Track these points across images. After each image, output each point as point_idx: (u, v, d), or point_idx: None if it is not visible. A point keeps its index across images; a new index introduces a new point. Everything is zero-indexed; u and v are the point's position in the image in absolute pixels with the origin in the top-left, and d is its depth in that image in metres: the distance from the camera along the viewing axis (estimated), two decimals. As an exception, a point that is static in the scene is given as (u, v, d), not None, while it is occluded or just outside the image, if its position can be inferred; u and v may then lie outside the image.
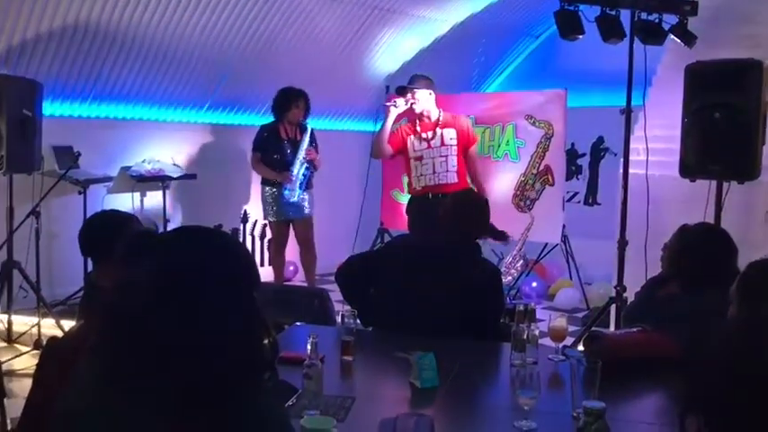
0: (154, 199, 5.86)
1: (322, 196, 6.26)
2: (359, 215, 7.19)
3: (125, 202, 5.67)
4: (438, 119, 5.05)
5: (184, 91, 6.02)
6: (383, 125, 5.10)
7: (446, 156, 4.99)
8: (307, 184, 5.68)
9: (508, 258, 5.87)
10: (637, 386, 2.29)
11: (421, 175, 5.04)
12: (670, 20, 4.41)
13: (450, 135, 5.01)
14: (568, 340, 2.61)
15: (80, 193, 5.19)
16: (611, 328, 4.44)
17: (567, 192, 6.52)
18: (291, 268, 6.66)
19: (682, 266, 2.73)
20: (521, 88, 6.86)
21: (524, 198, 6.02)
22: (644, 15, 4.30)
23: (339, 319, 2.59)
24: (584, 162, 6.99)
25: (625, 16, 4.31)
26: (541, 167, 5.94)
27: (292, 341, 2.64)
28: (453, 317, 2.76)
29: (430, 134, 5.02)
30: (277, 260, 5.87)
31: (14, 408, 1.94)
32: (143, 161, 5.73)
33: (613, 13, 4.25)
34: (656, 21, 4.34)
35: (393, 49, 6.90)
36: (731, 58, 3.95)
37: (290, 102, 5.58)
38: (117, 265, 1.77)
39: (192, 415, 1.15)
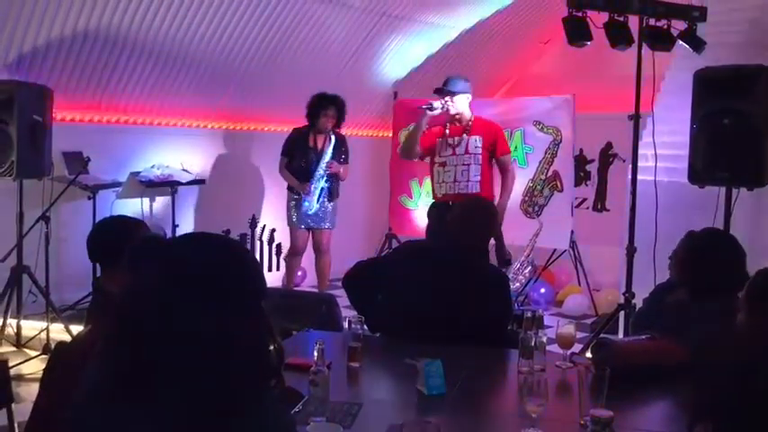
0: (163, 204, 5.88)
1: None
2: (367, 221, 7.21)
3: (134, 207, 5.69)
4: (468, 124, 4.90)
5: (194, 97, 6.04)
6: (416, 127, 5.01)
7: (469, 164, 4.86)
8: (330, 196, 5.63)
9: (516, 264, 5.85)
10: (645, 394, 2.28)
11: (443, 182, 4.97)
12: (678, 26, 4.41)
13: (476, 143, 4.87)
14: (576, 347, 2.60)
15: (89, 198, 5.22)
16: (620, 335, 4.42)
17: (576, 198, 6.50)
18: (300, 273, 6.66)
19: (690, 273, 2.72)
20: (529, 94, 6.85)
21: (533, 204, 6.01)
22: (652, 21, 4.29)
23: (346, 324, 2.58)
24: (592, 168, 6.96)
25: (633, 22, 4.30)
26: (550, 173, 5.93)
27: (300, 347, 2.64)
28: (460, 323, 2.75)
29: (457, 140, 4.89)
30: (291, 264, 5.83)
31: (23, 412, 1.95)
32: (152, 167, 5.75)
33: (621, 18, 4.25)
34: (665, 27, 4.34)
35: (401, 56, 6.91)
36: (740, 65, 3.94)
37: (318, 110, 5.46)
38: (125, 270, 1.78)
39: (199, 422, 1.15)
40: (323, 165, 5.51)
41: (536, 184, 5.99)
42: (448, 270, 2.92)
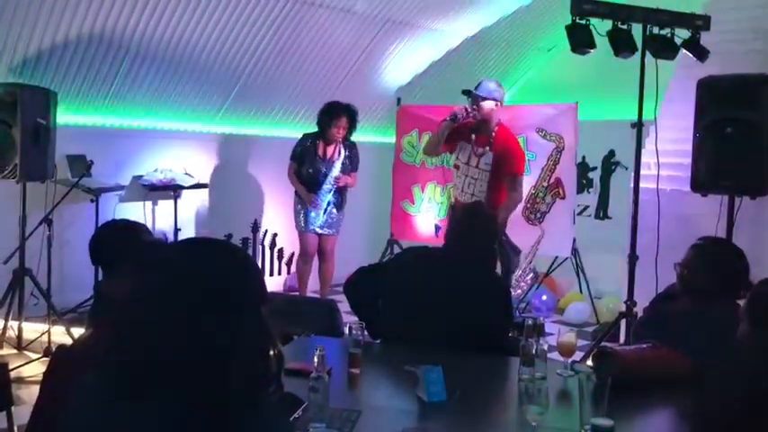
0: (165, 208, 5.88)
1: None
2: (369, 226, 7.20)
3: (137, 210, 5.70)
4: (491, 136, 4.76)
5: (197, 101, 6.05)
6: (438, 135, 4.89)
7: (476, 179, 4.80)
8: (338, 206, 5.62)
9: (518, 271, 5.84)
10: (647, 403, 2.27)
11: (455, 185, 4.97)
12: (682, 34, 4.41)
13: (486, 160, 4.77)
14: (578, 355, 2.59)
15: (92, 201, 5.22)
16: (621, 342, 4.41)
17: (578, 205, 6.50)
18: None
19: (696, 283, 2.71)
20: (532, 101, 6.85)
21: (535, 211, 6.01)
22: (656, 30, 4.29)
23: (346, 330, 2.58)
24: (595, 175, 6.96)
25: (637, 30, 4.31)
26: (552, 180, 5.93)
27: (300, 353, 2.64)
28: (461, 329, 2.74)
29: (479, 150, 4.79)
30: (304, 270, 5.80)
31: (23, 415, 1.95)
32: (155, 170, 5.76)
33: (625, 27, 4.25)
34: (669, 35, 4.34)
35: (405, 62, 6.92)
36: (744, 73, 3.95)
37: (329, 120, 5.37)
38: (126, 274, 1.78)
39: (197, 427, 1.15)
40: (330, 179, 5.50)
41: (538, 191, 5.99)
42: (447, 276, 2.91)
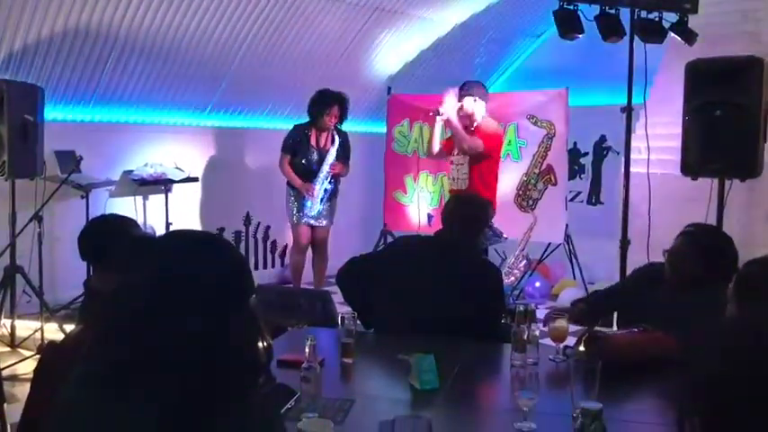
0: (156, 203, 5.86)
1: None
2: (362, 217, 7.20)
3: (127, 206, 5.68)
4: (471, 127, 4.97)
5: (186, 94, 6.03)
6: (431, 132, 5.20)
7: (462, 164, 4.99)
8: (330, 196, 5.63)
9: (511, 258, 5.86)
10: (637, 386, 2.28)
11: (449, 176, 5.20)
12: (670, 17, 4.40)
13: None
14: (570, 340, 2.60)
15: (82, 197, 5.20)
16: (614, 328, 4.42)
17: (570, 191, 6.51)
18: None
19: (684, 270, 2.72)
20: (522, 88, 6.85)
21: (527, 198, 6.01)
22: (644, 13, 4.29)
23: (339, 321, 2.58)
24: (586, 161, 6.97)
25: (625, 15, 4.30)
26: (543, 167, 5.93)
27: (294, 344, 2.64)
28: (454, 317, 2.75)
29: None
30: (298, 262, 5.81)
31: (18, 413, 1.94)
32: (145, 165, 5.74)
33: (613, 11, 4.25)
34: (657, 19, 4.33)
35: (395, 50, 6.90)
36: (732, 56, 3.94)
37: (322, 108, 5.39)
38: (114, 269, 1.77)
39: (185, 419, 1.15)
40: (326, 167, 5.50)
41: (530, 177, 5.99)
42: (439, 264, 2.92)
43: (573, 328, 4.89)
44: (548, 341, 2.63)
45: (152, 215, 5.84)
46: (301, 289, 5.55)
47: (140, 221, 5.46)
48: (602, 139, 6.83)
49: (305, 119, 5.63)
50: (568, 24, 4.26)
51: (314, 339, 2.05)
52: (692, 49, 4.40)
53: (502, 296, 3.09)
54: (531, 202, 5.99)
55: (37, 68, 5.05)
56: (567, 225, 5.90)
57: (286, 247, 6.48)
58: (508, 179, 6.08)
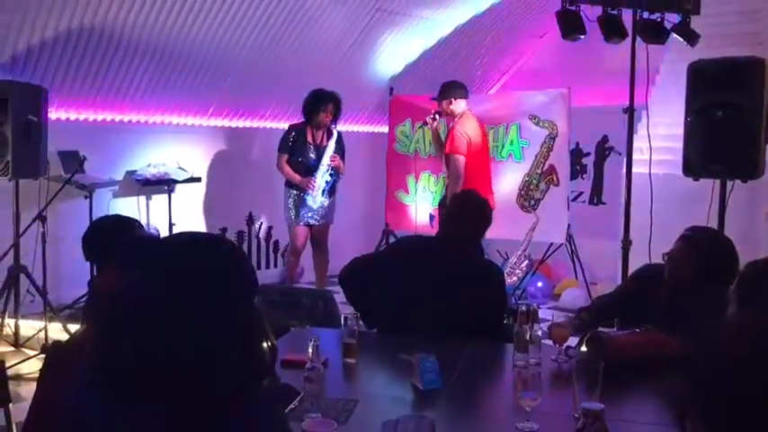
0: (159, 203, 5.88)
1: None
2: (364, 217, 7.22)
3: (131, 205, 5.70)
4: (448, 126, 5.38)
5: (189, 94, 6.04)
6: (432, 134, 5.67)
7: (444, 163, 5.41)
8: (330, 191, 5.65)
9: (513, 258, 5.87)
10: (639, 387, 2.29)
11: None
12: (672, 18, 4.41)
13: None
14: (572, 341, 2.60)
15: (86, 197, 5.22)
16: (615, 328, 4.43)
17: (572, 191, 6.51)
18: (298, 270, 6.67)
19: (684, 275, 2.72)
20: (525, 88, 6.85)
21: (529, 198, 6.02)
22: (646, 14, 4.30)
23: (342, 321, 2.59)
24: (588, 161, 6.97)
25: (627, 15, 4.31)
26: (546, 167, 5.94)
27: (297, 344, 2.65)
28: (457, 317, 2.76)
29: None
30: (293, 263, 5.83)
31: (22, 412, 1.95)
32: (148, 165, 5.75)
33: (615, 12, 4.25)
34: (658, 19, 4.34)
35: (396, 51, 6.91)
36: (734, 56, 3.94)
37: (318, 106, 5.48)
38: (117, 270, 1.79)
39: (189, 420, 1.16)
40: (326, 158, 5.53)
41: (532, 178, 6.00)
42: (442, 264, 2.93)
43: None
44: (546, 341, 2.64)
45: (155, 215, 5.85)
46: (304, 289, 5.56)
47: (143, 222, 5.49)
48: (605, 139, 6.83)
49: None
50: (571, 25, 4.26)
51: (317, 340, 2.06)
52: (693, 49, 4.40)
53: (504, 296, 3.10)
54: (533, 203, 6.00)
55: (41, 69, 5.07)
56: (569, 225, 5.90)
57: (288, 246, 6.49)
58: (510, 179, 6.10)
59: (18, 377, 3.94)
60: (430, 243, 3.23)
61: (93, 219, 4.28)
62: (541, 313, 4.91)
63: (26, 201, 4.67)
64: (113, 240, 2.07)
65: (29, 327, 4.67)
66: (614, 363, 2.12)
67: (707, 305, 2.40)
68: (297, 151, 5.55)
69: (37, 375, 2.04)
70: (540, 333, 2.48)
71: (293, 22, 5.94)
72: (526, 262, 5.84)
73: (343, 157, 5.68)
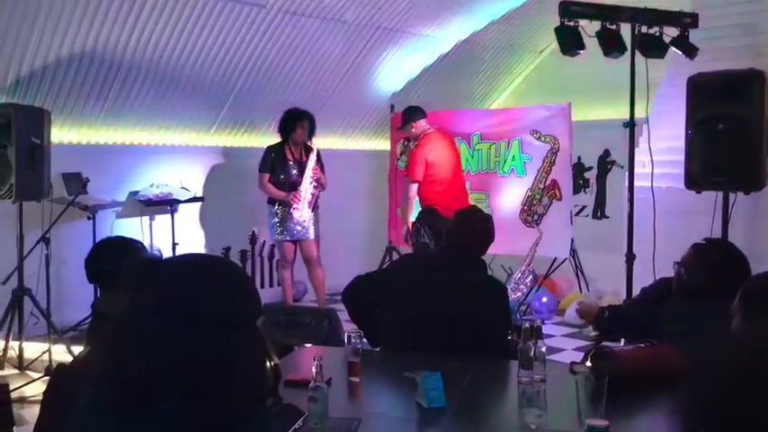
0: (163, 223, 5.89)
1: (329, 215, 6.28)
2: (367, 235, 7.21)
3: (134, 226, 5.70)
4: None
5: (190, 115, 6.07)
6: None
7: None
8: (314, 205, 5.72)
9: (517, 274, 5.86)
10: (645, 402, 2.27)
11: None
12: (671, 32, 4.43)
13: None
14: (577, 356, 2.59)
15: (89, 218, 5.23)
16: (621, 342, 4.41)
17: (575, 205, 6.51)
18: (302, 288, 6.67)
19: (695, 285, 2.71)
20: (525, 104, 6.87)
21: (532, 213, 6.02)
22: (644, 29, 4.31)
23: (345, 339, 2.59)
24: (591, 175, 6.97)
25: (626, 30, 4.33)
26: (548, 182, 5.94)
27: (301, 363, 2.64)
28: (461, 334, 2.75)
29: None
30: (286, 276, 5.91)
31: (25, 436, 1.96)
32: (151, 185, 5.77)
33: (613, 27, 4.27)
34: (657, 34, 4.36)
35: (397, 68, 6.94)
36: (733, 69, 3.96)
37: (294, 122, 5.70)
38: (121, 292, 1.79)
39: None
40: (309, 171, 5.68)
41: (534, 193, 6.00)
42: (446, 281, 2.92)
43: (583, 343, 4.87)
44: (554, 357, 2.63)
45: (158, 235, 5.86)
46: (308, 308, 5.56)
47: (147, 242, 5.49)
48: (606, 153, 6.84)
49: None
50: (570, 41, 4.28)
51: (321, 359, 2.05)
52: (693, 63, 4.42)
53: (508, 313, 3.08)
54: (536, 218, 6.00)
55: (43, 92, 5.11)
56: (572, 239, 5.89)
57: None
58: (513, 194, 6.10)
59: (22, 400, 3.93)
60: (433, 260, 3.23)
61: (97, 240, 4.29)
62: (546, 329, 4.90)
63: (30, 223, 4.69)
64: (116, 262, 2.07)
65: (33, 349, 4.66)
66: (619, 378, 2.11)
67: (713, 318, 2.40)
68: (278, 169, 5.71)
69: (41, 398, 2.04)
70: (544, 349, 2.47)
71: (293, 42, 5.98)
72: (530, 277, 5.83)
73: (323, 171, 5.76)
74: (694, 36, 4.45)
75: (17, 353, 4.62)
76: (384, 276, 3.44)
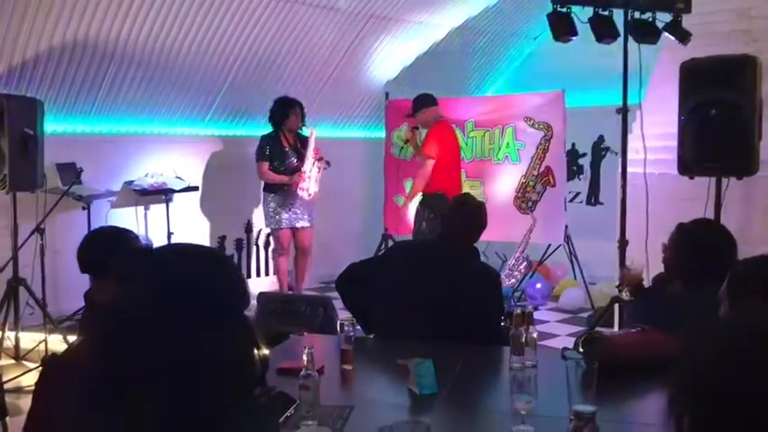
0: (157, 212, 5.88)
1: (325, 203, 6.28)
2: (363, 222, 7.22)
3: (129, 216, 5.69)
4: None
5: (185, 104, 6.05)
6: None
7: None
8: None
9: (511, 260, 5.88)
10: (635, 387, 2.29)
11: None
12: (664, 17, 4.42)
13: None
14: (570, 342, 2.60)
15: (84, 208, 5.23)
16: (616, 328, 4.44)
17: (569, 192, 6.52)
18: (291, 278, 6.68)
19: (683, 264, 2.73)
20: (519, 91, 6.86)
21: (526, 200, 6.03)
22: (637, 14, 4.30)
23: (338, 327, 2.60)
24: (585, 162, 6.98)
25: (619, 16, 4.31)
26: (542, 169, 5.95)
27: (295, 351, 2.65)
28: (454, 321, 2.77)
29: None
30: (281, 264, 5.97)
31: (22, 425, 1.96)
32: (145, 175, 5.76)
33: (606, 13, 4.26)
34: (650, 19, 4.35)
35: (391, 56, 6.92)
36: (725, 55, 3.96)
37: (287, 110, 5.76)
38: (113, 282, 1.80)
39: (185, 430, 1.16)
40: (311, 150, 5.73)
41: (528, 179, 6.01)
42: (439, 268, 2.93)
43: (577, 327, 4.89)
44: (547, 342, 2.64)
45: (153, 225, 5.85)
46: (303, 296, 5.58)
47: (142, 232, 5.49)
48: (601, 139, 6.85)
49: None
50: (562, 27, 4.27)
51: (311, 347, 2.06)
52: (686, 48, 4.41)
53: (501, 300, 3.10)
54: (530, 204, 6.01)
55: (36, 82, 5.08)
56: (566, 226, 5.91)
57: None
58: (507, 181, 6.11)
59: (19, 390, 3.94)
60: (426, 247, 3.24)
61: (89, 231, 4.29)
62: (541, 314, 4.94)
63: (24, 213, 4.68)
64: (107, 253, 2.08)
65: (29, 339, 4.67)
66: (609, 363, 2.12)
67: (703, 303, 2.41)
68: (276, 157, 5.76)
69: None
70: (535, 335, 2.49)
71: (286, 31, 5.96)
72: (525, 263, 5.85)
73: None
74: (687, 21, 4.44)
75: (13, 343, 4.63)
76: (378, 264, 3.45)
